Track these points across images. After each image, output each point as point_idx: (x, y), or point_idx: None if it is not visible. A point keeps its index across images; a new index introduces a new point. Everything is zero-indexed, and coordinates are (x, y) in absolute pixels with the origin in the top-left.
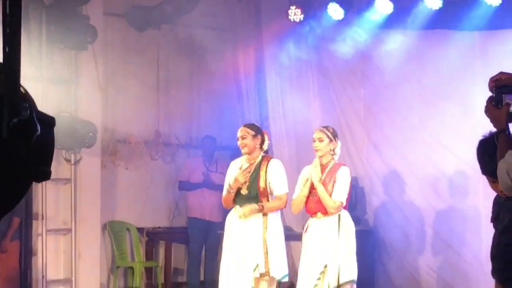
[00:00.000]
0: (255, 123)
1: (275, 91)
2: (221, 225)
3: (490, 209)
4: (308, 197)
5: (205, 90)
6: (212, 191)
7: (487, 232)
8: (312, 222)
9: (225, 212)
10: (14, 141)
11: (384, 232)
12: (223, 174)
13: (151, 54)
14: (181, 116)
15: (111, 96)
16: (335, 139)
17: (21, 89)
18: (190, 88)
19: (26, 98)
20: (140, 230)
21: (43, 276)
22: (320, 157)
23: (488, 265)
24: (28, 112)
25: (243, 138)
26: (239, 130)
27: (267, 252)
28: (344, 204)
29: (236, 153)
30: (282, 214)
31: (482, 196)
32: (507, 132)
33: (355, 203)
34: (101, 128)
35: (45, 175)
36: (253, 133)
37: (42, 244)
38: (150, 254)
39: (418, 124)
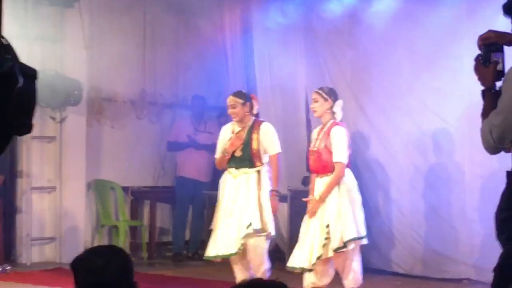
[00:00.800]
0: (242, 90)
1: (262, 51)
2: (208, 185)
3: (476, 173)
4: (308, 156)
5: (191, 50)
6: (200, 151)
7: (472, 195)
8: (315, 181)
9: (213, 172)
10: None
11: (369, 195)
12: (212, 134)
13: (138, 12)
14: (167, 75)
15: (97, 54)
16: (330, 98)
17: (4, 40)
18: (177, 47)
19: (8, 49)
20: (125, 189)
21: (27, 234)
22: (319, 117)
23: (471, 227)
24: (10, 63)
25: (233, 107)
26: (228, 99)
27: (262, 210)
28: (346, 162)
29: (224, 112)
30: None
31: (468, 160)
32: (493, 91)
33: None
34: (87, 87)
35: (26, 128)
36: (241, 101)
37: (27, 202)
38: (135, 213)
39: (405, 87)
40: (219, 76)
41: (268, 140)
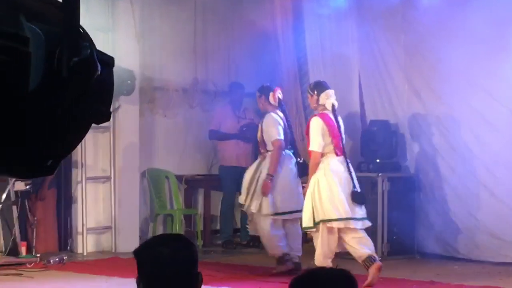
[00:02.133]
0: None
1: (313, 37)
2: None
3: None
4: None
5: (242, 37)
6: (245, 139)
7: None
8: None
9: (254, 158)
10: (74, 81)
11: (425, 179)
12: (253, 120)
13: (188, 0)
14: (219, 63)
15: (148, 44)
16: (314, 92)
17: (80, 28)
18: (228, 35)
19: (86, 37)
20: (179, 177)
21: (83, 224)
22: (314, 110)
23: None
24: (89, 51)
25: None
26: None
27: (254, 191)
28: (315, 150)
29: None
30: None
31: None
32: None
33: (396, 149)
34: (139, 76)
35: (105, 116)
36: (258, 94)
37: (82, 192)
38: (189, 202)
39: (460, 70)
40: (270, 64)
41: (268, 129)
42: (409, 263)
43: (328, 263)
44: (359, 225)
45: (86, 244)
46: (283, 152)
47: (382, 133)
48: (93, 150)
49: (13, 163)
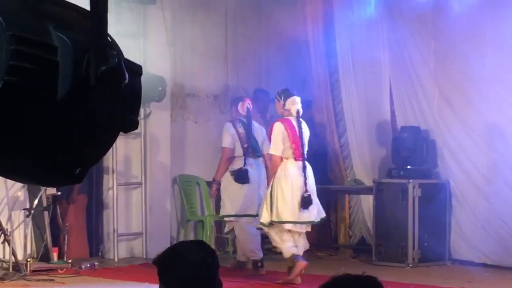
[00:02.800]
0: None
1: (344, 43)
2: None
3: None
4: None
5: (273, 43)
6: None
7: None
8: None
9: None
10: (102, 90)
11: (456, 185)
12: None
13: (219, 7)
14: (250, 70)
15: (179, 50)
16: (281, 98)
17: (108, 37)
18: (259, 42)
19: (113, 46)
20: (209, 183)
21: (114, 230)
22: (281, 115)
23: None
24: (116, 59)
25: None
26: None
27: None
28: (274, 154)
29: (308, 105)
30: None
31: None
32: None
33: (426, 156)
34: (170, 82)
35: (133, 125)
36: (231, 103)
37: (113, 198)
38: (220, 208)
39: (490, 76)
40: (301, 70)
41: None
42: (440, 269)
43: (294, 250)
44: (303, 228)
45: (117, 250)
46: (243, 159)
47: (413, 139)
48: (125, 156)
49: (42, 172)
